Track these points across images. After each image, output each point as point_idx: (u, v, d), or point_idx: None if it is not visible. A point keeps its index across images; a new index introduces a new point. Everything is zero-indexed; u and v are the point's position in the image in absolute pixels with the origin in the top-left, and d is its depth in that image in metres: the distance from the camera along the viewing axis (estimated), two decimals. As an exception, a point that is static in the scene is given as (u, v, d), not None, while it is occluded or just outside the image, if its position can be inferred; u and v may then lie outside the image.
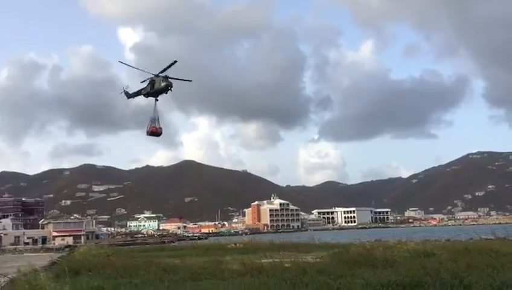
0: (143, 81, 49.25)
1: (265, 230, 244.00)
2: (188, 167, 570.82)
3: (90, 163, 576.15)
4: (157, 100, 46.77)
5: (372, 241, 38.95)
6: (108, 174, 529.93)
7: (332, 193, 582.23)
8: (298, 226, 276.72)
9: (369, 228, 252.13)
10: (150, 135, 47.56)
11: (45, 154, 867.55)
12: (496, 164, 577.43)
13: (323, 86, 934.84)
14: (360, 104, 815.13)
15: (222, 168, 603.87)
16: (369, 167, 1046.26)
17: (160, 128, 47.44)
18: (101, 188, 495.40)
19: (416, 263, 19.54)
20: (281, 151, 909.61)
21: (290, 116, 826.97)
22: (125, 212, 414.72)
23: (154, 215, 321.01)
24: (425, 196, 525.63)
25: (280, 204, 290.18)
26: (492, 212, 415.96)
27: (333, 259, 24.57)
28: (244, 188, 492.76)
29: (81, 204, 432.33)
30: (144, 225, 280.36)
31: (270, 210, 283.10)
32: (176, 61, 43.61)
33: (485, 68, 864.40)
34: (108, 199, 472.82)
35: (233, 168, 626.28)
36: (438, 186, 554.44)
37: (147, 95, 47.50)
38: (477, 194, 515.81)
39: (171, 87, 45.31)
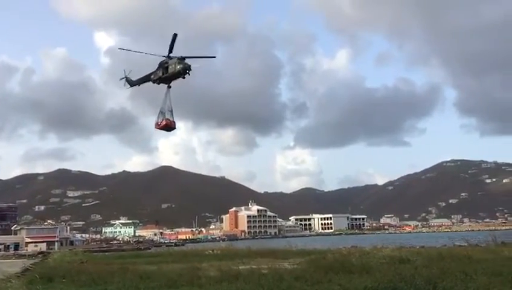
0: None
1: (242, 236, 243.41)
2: (165, 173, 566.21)
3: (65, 168, 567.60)
4: (170, 87, 40.65)
5: (348, 248, 39.30)
6: (83, 179, 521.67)
7: (309, 200, 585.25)
8: (275, 232, 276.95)
9: (346, 234, 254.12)
10: (162, 128, 41.13)
11: (17, 158, 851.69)
12: (469, 172, 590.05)
13: (299, 93, 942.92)
14: (335, 111, 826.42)
15: (199, 174, 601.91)
16: (345, 173, 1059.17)
17: (174, 121, 40.99)
18: (76, 193, 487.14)
19: (391, 269, 19.77)
20: (258, 158, 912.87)
21: (266, 123, 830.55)
22: (101, 218, 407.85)
23: (130, 221, 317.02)
24: (400, 203, 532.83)
25: (258, 210, 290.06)
26: (465, 220, 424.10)
27: (310, 265, 24.66)
28: (221, 194, 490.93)
29: (55, 210, 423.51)
30: (119, 231, 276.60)
31: (248, 216, 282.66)
32: (176, 34, 38.35)
33: (456, 77, 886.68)
34: (84, 205, 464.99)
35: (210, 174, 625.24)
36: (413, 194, 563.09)
37: (158, 81, 41.20)
38: (450, 201, 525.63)
39: (190, 70, 39.28)
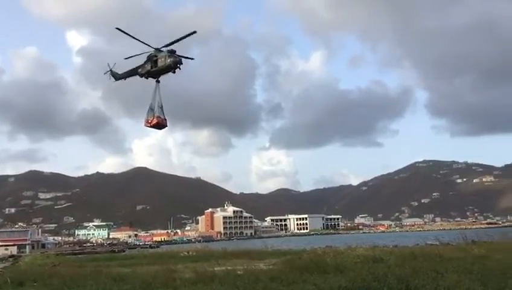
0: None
1: (218, 238, 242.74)
2: (139, 174, 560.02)
3: (37, 169, 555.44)
4: (159, 82, 38.20)
5: (323, 248, 39.64)
6: (55, 181, 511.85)
7: (285, 200, 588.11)
8: (251, 233, 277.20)
9: (321, 234, 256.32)
10: (153, 127, 38.91)
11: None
12: (441, 172, 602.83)
13: (274, 94, 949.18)
14: (310, 112, 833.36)
15: (175, 175, 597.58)
16: (321, 174, 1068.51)
17: (165, 119, 38.59)
18: (48, 195, 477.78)
19: (365, 268, 20.01)
20: (234, 159, 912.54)
21: (241, 124, 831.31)
22: (74, 220, 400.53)
23: (104, 223, 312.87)
24: (374, 203, 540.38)
25: (234, 211, 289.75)
26: (437, 219, 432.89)
27: (285, 266, 24.77)
28: (197, 195, 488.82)
29: (26, 212, 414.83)
30: (93, 234, 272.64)
31: (224, 217, 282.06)
32: (195, 32, 35.26)
33: (427, 79, 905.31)
34: (56, 207, 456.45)
35: (186, 175, 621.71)
36: (386, 194, 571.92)
37: (146, 75, 38.74)
38: (423, 201, 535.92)
39: (180, 64, 36.96)
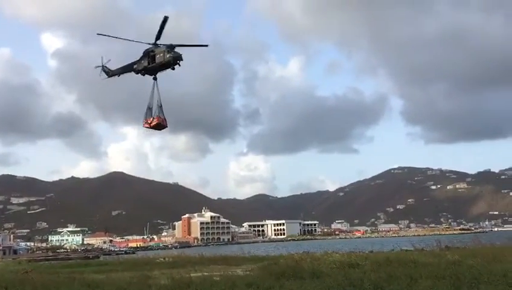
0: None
1: (195, 243, 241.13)
2: (115, 179, 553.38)
3: (9, 173, 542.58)
4: (156, 79, 35.94)
5: (300, 254, 39.75)
6: (28, 185, 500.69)
7: (262, 206, 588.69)
8: (229, 239, 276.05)
9: (298, 240, 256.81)
10: (153, 127, 36.73)
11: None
12: (416, 179, 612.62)
13: (252, 100, 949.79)
14: (287, 118, 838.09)
15: (151, 180, 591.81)
16: (298, 180, 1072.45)
17: (165, 119, 36.41)
18: (21, 200, 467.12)
19: (341, 273, 20.17)
20: (211, 164, 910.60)
21: (219, 129, 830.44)
22: (47, 226, 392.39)
23: (78, 229, 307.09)
24: (350, 208, 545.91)
25: (211, 217, 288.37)
26: (412, 225, 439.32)
27: (262, 271, 24.75)
28: (174, 200, 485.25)
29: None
30: (67, 240, 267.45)
31: (201, 223, 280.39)
32: (167, 17, 33.73)
33: (402, 87, 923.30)
34: (29, 212, 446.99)
35: (163, 181, 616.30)
36: (363, 200, 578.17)
37: (143, 71, 36.43)
38: (398, 207, 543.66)
39: (180, 60, 34.73)
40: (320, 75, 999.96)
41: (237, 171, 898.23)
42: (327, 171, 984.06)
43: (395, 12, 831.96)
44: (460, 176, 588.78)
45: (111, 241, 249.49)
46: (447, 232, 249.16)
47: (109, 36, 34.98)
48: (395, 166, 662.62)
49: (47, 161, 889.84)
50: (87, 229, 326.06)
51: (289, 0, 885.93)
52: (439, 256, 26.42)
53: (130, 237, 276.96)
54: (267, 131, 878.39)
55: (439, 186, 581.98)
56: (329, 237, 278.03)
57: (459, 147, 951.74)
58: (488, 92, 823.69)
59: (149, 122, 36.19)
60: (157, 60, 34.99)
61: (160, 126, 36.73)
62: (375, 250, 46.44)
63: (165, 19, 33.52)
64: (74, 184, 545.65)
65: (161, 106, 35.96)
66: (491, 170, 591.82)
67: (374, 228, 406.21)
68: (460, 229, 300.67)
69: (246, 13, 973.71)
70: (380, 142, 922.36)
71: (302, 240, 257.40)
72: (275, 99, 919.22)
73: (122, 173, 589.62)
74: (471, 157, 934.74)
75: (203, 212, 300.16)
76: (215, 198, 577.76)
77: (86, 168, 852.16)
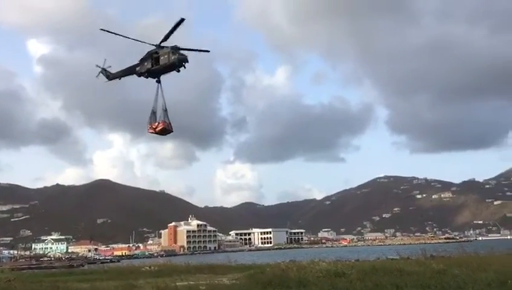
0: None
1: (181, 252, 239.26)
2: (101, 187, 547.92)
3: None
4: (160, 82, 34.78)
5: (286, 262, 39.68)
6: (12, 192, 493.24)
7: (249, 214, 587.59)
8: (215, 247, 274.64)
9: (285, 248, 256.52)
10: (158, 133, 35.51)
11: None
12: (401, 187, 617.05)
13: (239, 108, 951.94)
14: (274, 127, 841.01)
15: (137, 188, 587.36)
16: (285, 188, 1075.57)
17: (171, 123, 35.19)
18: (4, 207, 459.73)
19: (327, 283, 20.20)
20: (198, 172, 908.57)
21: (206, 137, 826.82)
22: (31, 233, 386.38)
23: (63, 237, 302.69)
24: (337, 217, 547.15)
25: (197, 225, 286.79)
26: (398, 234, 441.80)
27: (249, 280, 24.67)
28: (160, 208, 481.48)
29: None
30: (51, 248, 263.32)
31: (187, 231, 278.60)
32: (183, 19, 31.60)
33: (387, 97, 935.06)
34: (12, 220, 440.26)
35: (149, 188, 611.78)
36: (349, 208, 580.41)
37: (146, 74, 35.11)
38: (384, 216, 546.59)
39: (186, 62, 33.36)
40: (307, 84, 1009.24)
41: (224, 179, 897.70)
42: (314, 179, 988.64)
43: (380, 24, 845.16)
44: (445, 185, 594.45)
45: (96, 249, 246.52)
46: (432, 241, 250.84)
47: (111, 33, 33.44)
48: (381, 175, 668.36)
49: (31, 168, 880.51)
50: (71, 237, 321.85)
51: (276, 10, 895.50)
52: (424, 265, 26.55)
53: (115, 246, 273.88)
54: (254, 139, 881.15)
55: (424, 195, 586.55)
56: (316, 246, 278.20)
57: (443, 157, 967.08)
58: (472, 103, 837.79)
59: (154, 127, 35.02)
60: (161, 62, 33.80)
61: (165, 131, 35.51)
62: (361, 259, 46.60)
63: (181, 21, 31.71)
64: (59, 192, 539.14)
65: (166, 110, 34.82)
66: (476, 180, 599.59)
67: (360, 236, 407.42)
68: (445, 238, 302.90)
69: (233, 23, 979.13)
70: (366, 151, 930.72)
71: (289, 248, 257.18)
72: (262, 107, 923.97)
73: (108, 181, 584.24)
74: (455, 167, 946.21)
75: (189, 221, 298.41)
76: (202, 206, 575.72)
77: (71, 176, 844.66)
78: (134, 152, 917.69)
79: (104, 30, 33.37)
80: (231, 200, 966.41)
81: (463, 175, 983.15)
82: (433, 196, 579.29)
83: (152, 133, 35.53)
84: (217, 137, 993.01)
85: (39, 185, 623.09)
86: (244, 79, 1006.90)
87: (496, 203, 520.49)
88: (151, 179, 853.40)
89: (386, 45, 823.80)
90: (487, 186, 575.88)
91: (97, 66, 39.31)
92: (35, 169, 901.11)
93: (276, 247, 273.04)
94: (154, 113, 35.01)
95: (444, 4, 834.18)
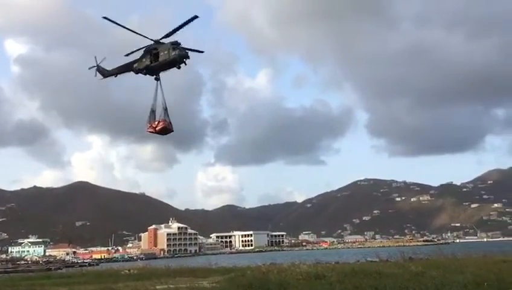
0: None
1: (161, 255, 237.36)
2: (80, 189, 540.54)
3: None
4: (158, 79, 33.59)
5: (267, 265, 39.72)
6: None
7: (230, 217, 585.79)
8: (196, 250, 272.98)
9: (266, 251, 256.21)
10: (158, 132, 34.18)
11: None
12: (381, 190, 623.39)
13: (220, 110, 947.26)
14: (255, 129, 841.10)
15: (117, 190, 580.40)
16: (266, 191, 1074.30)
17: (171, 122, 33.89)
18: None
19: (307, 285, 20.30)
20: (179, 174, 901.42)
21: (186, 139, 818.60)
22: (7, 236, 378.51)
23: (40, 240, 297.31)
24: (318, 220, 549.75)
25: (178, 228, 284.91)
26: (377, 236, 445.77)
27: (229, 283, 24.64)
28: (141, 211, 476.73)
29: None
30: (28, 251, 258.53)
31: (168, 234, 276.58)
32: (196, 16, 30.61)
33: (367, 101, 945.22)
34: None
35: (129, 191, 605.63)
36: (330, 211, 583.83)
37: (144, 70, 33.98)
38: (364, 218, 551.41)
39: (187, 58, 32.34)
40: (288, 87, 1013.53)
41: (205, 181, 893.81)
42: (295, 182, 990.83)
43: (360, 27, 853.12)
44: (424, 189, 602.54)
45: (74, 252, 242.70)
46: (411, 244, 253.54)
47: (113, 22, 32.38)
48: (362, 178, 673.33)
49: (8, 170, 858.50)
50: (49, 240, 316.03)
51: (257, 13, 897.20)
52: (403, 267, 26.87)
53: (94, 249, 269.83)
54: (235, 142, 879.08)
55: (403, 198, 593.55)
56: (297, 248, 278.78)
57: (422, 160, 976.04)
58: (450, 107, 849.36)
59: (154, 126, 33.79)
60: (161, 58, 32.68)
61: (166, 130, 34.25)
62: (341, 261, 46.91)
63: (193, 18, 30.83)
64: (36, 194, 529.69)
65: (166, 109, 33.68)
66: (453, 183, 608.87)
67: (340, 239, 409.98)
68: (423, 241, 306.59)
69: (214, 25, 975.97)
70: (347, 154, 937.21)
71: (270, 251, 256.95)
72: (243, 110, 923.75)
73: (87, 183, 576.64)
74: (434, 171, 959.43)
75: (170, 223, 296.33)
76: (183, 209, 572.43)
77: (49, 178, 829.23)
78: (113, 154, 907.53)
79: (107, 18, 32.23)
80: (212, 203, 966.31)
81: (441, 178, 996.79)
82: (412, 199, 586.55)
83: (152, 132, 34.33)
84: (197, 139, 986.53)
85: (16, 187, 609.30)
86: (225, 81, 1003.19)
87: (473, 206, 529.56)
88: (131, 182, 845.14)
89: (366, 49, 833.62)
90: (464, 189, 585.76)
91: (90, 67, 38.31)
92: (12, 171, 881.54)
93: (257, 250, 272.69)
94: (153, 111, 33.95)
95: (423, 10, 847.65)
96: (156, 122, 33.62)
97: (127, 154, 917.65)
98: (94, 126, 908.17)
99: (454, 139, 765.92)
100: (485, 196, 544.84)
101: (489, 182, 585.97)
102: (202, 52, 36.28)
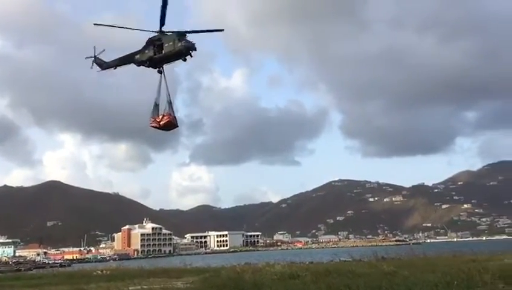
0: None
1: (135, 255, 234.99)
2: (51, 188, 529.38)
3: None
4: (161, 72, 32.09)
5: (242, 265, 39.75)
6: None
7: (206, 217, 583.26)
8: (170, 251, 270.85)
9: (241, 251, 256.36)
10: (163, 127, 32.67)
11: None
12: (354, 191, 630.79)
13: (195, 110, 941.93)
14: (230, 129, 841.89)
15: (90, 190, 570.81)
16: (241, 191, 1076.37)
17: (175, 117, 32.57)
18: None
19: (282, 285, 20.40)
20: (153, 174, 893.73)
21: (160, 138, 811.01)
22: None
23: (10, 240, 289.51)
24: (292, 220, 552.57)
25: (152, 228, 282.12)
26: (351, 236, 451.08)
27: (204, 284, 24.58)
28: (114, 211, 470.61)
29: None
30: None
31: (142, 235, 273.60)
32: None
33: (341, 102, 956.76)
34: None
35: (102, 190, 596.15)
36: (304, 211, 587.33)
37: (147, 62, 32.27)
38: (338, 218, 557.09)
39: (194, 50, 30.77)
40: (264, 87, 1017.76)
41: (180, 181, 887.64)
42: (270, 182, 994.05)
43: (335, 29, 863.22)
44: (397, 189, 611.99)
45: (45, 253, 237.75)
46: (384, 244, 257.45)
47: (107, 26, 32.08)
48: (336, 178, 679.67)
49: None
50: (19, 240, 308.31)
51: (233, 12, 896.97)
52: (375, 267, 27.24)
53: (66, 249, 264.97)
54: (210, 141, 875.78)
55: (376, 198, 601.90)
56: (272, 248, 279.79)
57: (394, 161, 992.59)
58: (421, 110, 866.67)
59: (158, 120, 32.28)
60: (165, 50, 31.09)
61: (171, 125, 32.90)
62: (315, 261, 47.31)
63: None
64: (6, 193, 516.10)
65: (171, 102, 32.27)
66: (425, 184, 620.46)
67: (314, 239, 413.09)
68: (396, 241, 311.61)
69: (189, 23, 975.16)
70: (321, 155, 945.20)
71: (245, 251, 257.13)
72: (219, 110, 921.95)
73: (58, 182, 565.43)
74: (406, 171, 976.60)
75: (144, 224, 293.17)
76: (157, 209, 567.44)
77: (19, 177, 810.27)
78: (86, 153, 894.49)
79: (98, 24, 31.81)
80: (187, 203, 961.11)
81: (413, 179, 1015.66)
82: (384, 199, 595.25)
83: (155, 127, 32.76)
84: (172, 139, 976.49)
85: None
86: (200, 81, 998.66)
87: (443, 206, 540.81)
88: (104, 181, 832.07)
89: (341, 51, 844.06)
90: (435, 190, 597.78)
91: (87, 57, 36.19)
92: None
93: (232, 250, 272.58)
94: (157, 106, 32.50)
95: (396, 13, 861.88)
96: (161, 117, 32.27)
97: (100, 153, 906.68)
98: (66, 124, 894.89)
99: (426, 140, 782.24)
100: (455, 197, 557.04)
101: (459, 183, 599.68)
102: (222, 30, 35.03)
